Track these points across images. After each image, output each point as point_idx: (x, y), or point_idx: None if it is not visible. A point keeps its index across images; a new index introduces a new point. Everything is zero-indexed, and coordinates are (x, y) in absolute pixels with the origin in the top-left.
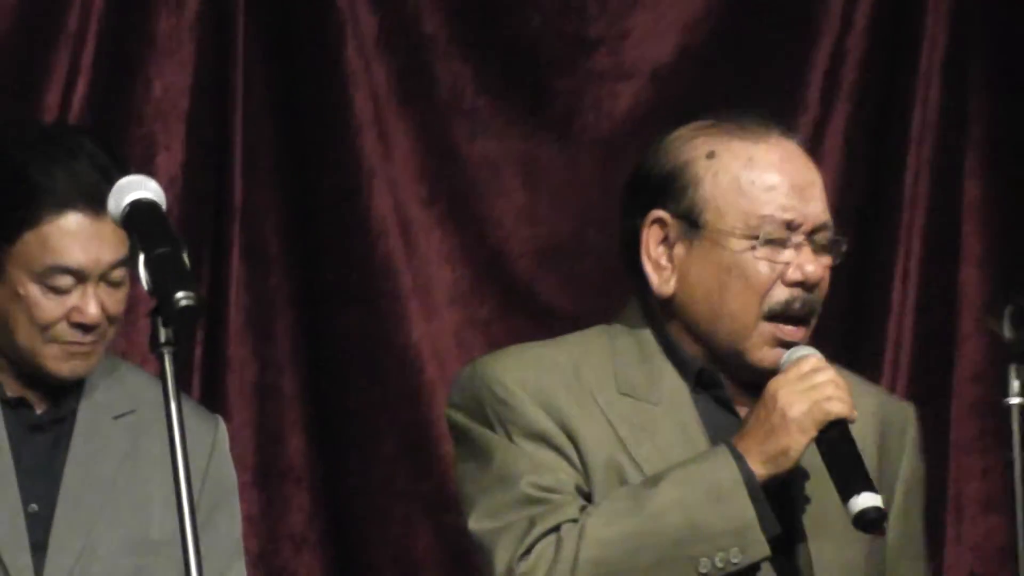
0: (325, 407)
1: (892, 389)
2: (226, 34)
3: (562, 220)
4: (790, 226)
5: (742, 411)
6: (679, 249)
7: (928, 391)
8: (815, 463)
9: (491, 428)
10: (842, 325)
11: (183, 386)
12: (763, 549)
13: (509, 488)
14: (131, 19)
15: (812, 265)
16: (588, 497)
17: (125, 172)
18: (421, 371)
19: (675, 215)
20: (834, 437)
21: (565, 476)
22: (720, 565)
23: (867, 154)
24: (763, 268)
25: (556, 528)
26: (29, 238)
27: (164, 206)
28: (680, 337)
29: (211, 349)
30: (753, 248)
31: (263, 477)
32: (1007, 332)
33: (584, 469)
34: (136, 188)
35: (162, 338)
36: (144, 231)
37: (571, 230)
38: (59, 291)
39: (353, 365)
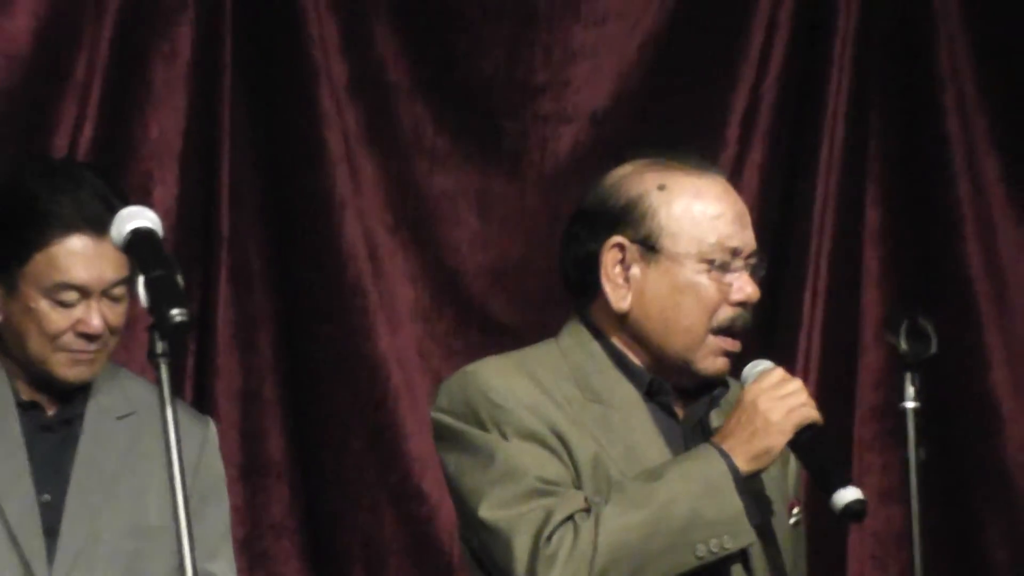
0: (302, 410)
1: None
2: (214, 83)
3: (511, 246)
4: (734, 252)
5: (679, 413)
6: (635, 270)
7: (834, 396)
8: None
9: (485, 429)
10: (758, 338)
11: (177, 391)
12: (750, 536)
13: (518, 481)
14: (131, 70)
15: (751, 288)
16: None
17: (123, 199)
18: (387, 378)
19: (633, 240)
20: (808, 439)
21: (563, 471)
22: (715, 550)
23: (780, 187)
24: (711, 289)
25: (570, 517)
26: (39, 258)
27: (161, 234)
28: (627, 349)
29: (201, 359)
30: (708, 271)
31: (247, 472)
32: (903, 344)
33: (574, 466)
34: (136, 218)
35: (158, 350)
36: (143, 256)
37: (519, 254)
38: (66, 305)
39: (326, 373)
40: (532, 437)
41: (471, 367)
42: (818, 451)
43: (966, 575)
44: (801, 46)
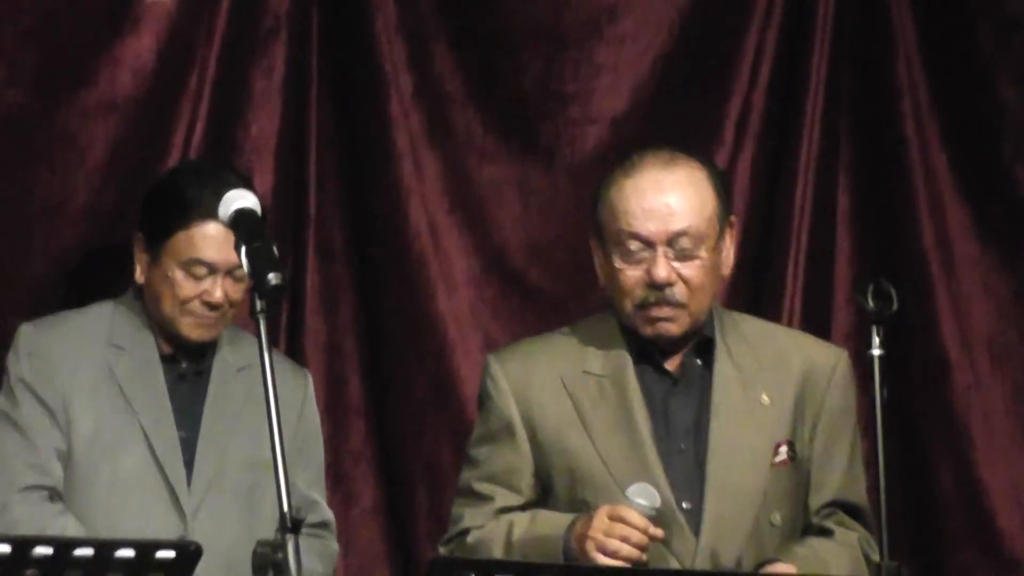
0: (375, 360)
1: None
2: (303, 92)
3: (546, 226)
4: (643, 240)
5: (671, 368)
6: (600, 258)
7: None
8: (733, 414)
9: (480, 411)
10: (749, 303)
11: (272, 343)
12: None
13: (466, 471)
14: (235, 81)
15: (661, 270)
16: (540, 472)
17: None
18: (445, 334)
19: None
20: None
21: (512, 461)
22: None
23: (768, 179)
24: (627, 275)
25: (465, 532)
26: (180, 236)
27: (260, 213)
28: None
29: (293, 318)
30: (625, 259)
31: (331, 410)
32: (870, 303)
33: (537, 451)
34: (240, 199)
35: (258, 308)
36: (245, 230)
37: (552, 233)
38: (196, 277)
39: (396, 329)
40: (505, 429)
41: (493, 354)
42: None
43: (917, 495)
44: (784, 64)
